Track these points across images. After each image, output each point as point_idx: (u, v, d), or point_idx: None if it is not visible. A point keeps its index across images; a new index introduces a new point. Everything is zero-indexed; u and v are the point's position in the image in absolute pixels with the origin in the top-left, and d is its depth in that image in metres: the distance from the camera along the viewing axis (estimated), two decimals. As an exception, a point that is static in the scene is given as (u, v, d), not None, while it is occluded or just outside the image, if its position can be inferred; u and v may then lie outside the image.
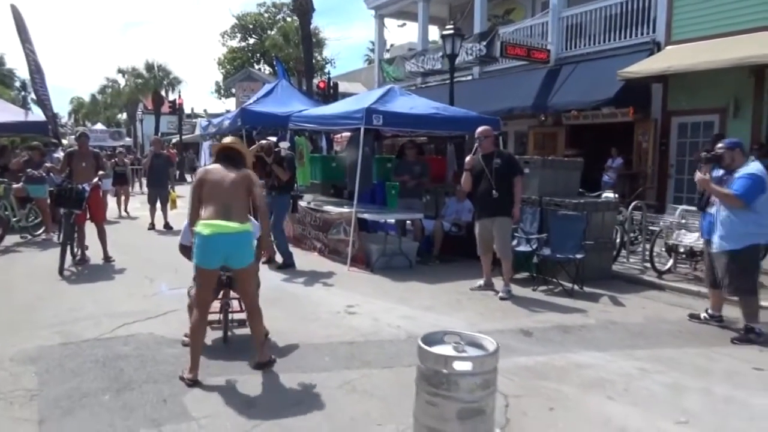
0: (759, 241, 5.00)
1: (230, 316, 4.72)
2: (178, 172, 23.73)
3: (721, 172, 5.14)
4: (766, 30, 9.38)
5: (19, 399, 3.58)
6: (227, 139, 4.37)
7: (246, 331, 4.45)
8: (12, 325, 5.07)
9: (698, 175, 5.16)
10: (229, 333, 4.72)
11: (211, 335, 4.60)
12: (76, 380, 3.86)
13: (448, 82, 11.86)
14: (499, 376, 4.00)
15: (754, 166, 4.94)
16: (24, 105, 39.98)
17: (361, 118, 7.77)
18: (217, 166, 4.09)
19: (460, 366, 2.76)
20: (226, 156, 4.15)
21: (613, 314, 5.83)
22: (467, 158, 6.75)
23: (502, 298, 6.29)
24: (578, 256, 6.59)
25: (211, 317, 4.37)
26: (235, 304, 4.74)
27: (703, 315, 5.54)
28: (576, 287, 6.64)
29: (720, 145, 5.17)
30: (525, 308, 5.97)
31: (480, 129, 6.73)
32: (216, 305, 4.58)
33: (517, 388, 3.85)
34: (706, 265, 5.56)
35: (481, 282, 6.73)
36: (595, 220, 7.14)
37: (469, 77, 15.99)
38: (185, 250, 4.69)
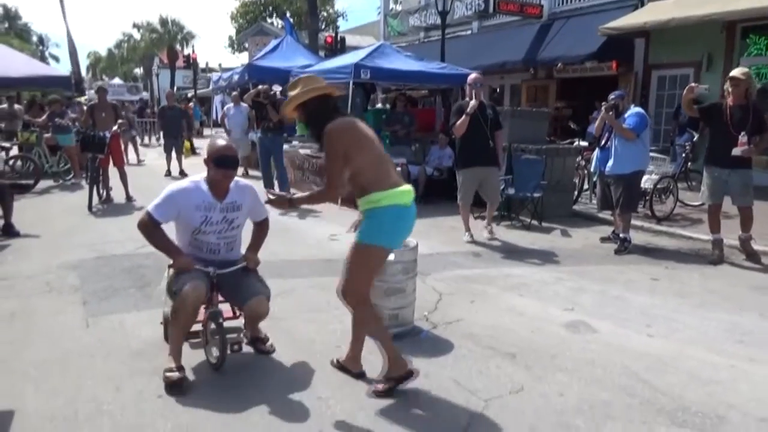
0: (642, 167, 6.36)
1: (224, 324, 3.31)
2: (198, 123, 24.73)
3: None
4: (739, -14, 9.89)
5: (67, 290, 4.73)
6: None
7: (248, 350, 3.53)
8: (54, 246, 6.22)
9: (602, 114, 6.30)
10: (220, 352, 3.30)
11: (193, 358, 3.43)
12: (108, 281, 4.99)
13: (447, 36, 12.58)
14: (440, 282, 5.07)
15: (636, 108, 6.23)
16: (42, 59, 40.90)
17: (349, 73, 8.63)
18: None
19: (385, 256, 3.77)
20: None
21: (557, 243, 6.79)
22: (471, 102, 6.35)
23: (491, 237, 6.73)
24: (536, 194, 7.51)
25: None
26: (226, 308, 3.57)
27: (610, 236, 6.70)
28: (534, 222, 7.60)
29: (612, 96, 6.28)
30: (483, 238, 6.90)
31: (474, 75, 6.66)
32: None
33: (451, 289, 4.88)
34: (599, 192, 7.00)
35: (467, 236, 6.67)
36: (556, 164, 8.03)
37: (469, 32, 16.56)
38: (154, 232, 3.33)
